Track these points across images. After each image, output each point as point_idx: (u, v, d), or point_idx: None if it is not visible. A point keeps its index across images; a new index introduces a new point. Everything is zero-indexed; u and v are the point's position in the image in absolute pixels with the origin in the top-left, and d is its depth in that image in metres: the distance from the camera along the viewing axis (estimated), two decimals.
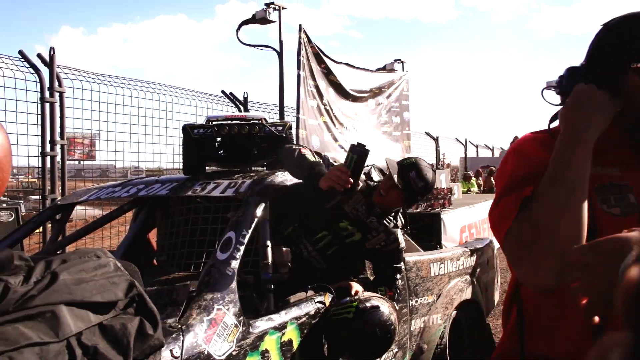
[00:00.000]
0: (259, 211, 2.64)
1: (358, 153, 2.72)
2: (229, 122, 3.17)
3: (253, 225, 2.56)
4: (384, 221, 3.02)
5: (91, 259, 1.23)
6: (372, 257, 3.18)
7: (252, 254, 2.77)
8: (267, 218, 2.67)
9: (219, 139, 3.20)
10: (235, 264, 2.34)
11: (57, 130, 5.53)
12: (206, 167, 3.37)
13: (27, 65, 5.28)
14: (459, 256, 3.91)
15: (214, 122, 3.17)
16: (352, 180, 2.70)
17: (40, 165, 5.55)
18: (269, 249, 2.59)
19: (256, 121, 3.17)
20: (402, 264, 3.13)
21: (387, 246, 3.01)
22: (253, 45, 7.89)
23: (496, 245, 5.65)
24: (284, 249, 2.59)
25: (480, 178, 16.20)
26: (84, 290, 1.09)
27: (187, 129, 3.15)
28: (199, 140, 3.14)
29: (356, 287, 2.85)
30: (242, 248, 2.43)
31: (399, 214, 3.16)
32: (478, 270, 4.17)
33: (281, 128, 3.16)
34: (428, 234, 7.24)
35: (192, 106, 7.30)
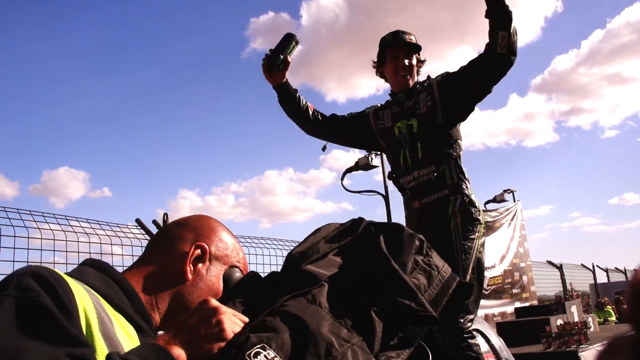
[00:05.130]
0: None
1: (286, 36, 3.23)
2: None
3: None
4: None
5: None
6: None
7: None
8: None
9: None
10: None
11: None
12: None
13: (144, 232, 5.52)
14: None
15: None
16: (270, 55, 3.22)
17: None
18: None
19: None
20: None
21: None
22: (358, 192, 7.93)
23: None
24: None
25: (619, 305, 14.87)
26: None
27: None
28: None
29: None
30: None
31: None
32: None
33: None
34: None
35: None
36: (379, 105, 3.47)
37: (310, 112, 3.45)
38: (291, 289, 1.12)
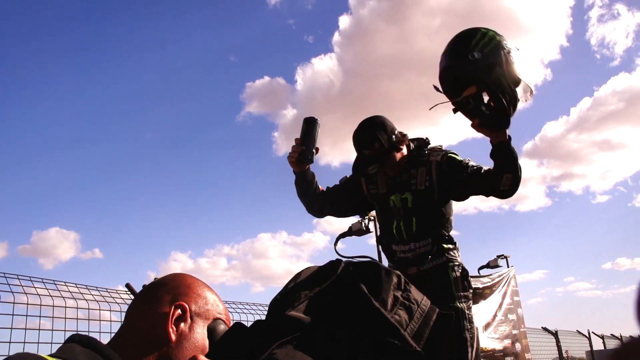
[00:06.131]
0: None
1: (307, 122, 3.09)
2: None
3: None
4: None
5: None
6: None
7: None
8: None
9: None
10: None
11: None
12: None
13: (134, 297, 5.43)
14: None
15: None
16: (302, 147, 3.08)
17: None
18: None
19: None
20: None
21: None
22: (351, 257, 7.89)
23: None
24: None
25: None
26: None
27: None
28: None
29: None
30: None
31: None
32: None
33: None
34: None
35: None
36: None
37: (320, 196, 3.35)
38: (277, 336, 1.12)
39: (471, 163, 3.01)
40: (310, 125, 3.10)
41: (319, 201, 3.36)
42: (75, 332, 1.24)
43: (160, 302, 1.29)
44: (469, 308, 3.03)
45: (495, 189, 2.87)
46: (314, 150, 3.10)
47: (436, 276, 3.04)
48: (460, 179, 3.01)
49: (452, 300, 2.97)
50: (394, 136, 3.11)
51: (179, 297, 1.30)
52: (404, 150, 3.18)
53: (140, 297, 1.37)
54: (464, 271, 3.10)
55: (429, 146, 3.22)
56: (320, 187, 3.37)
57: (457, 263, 3.09)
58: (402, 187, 3.13)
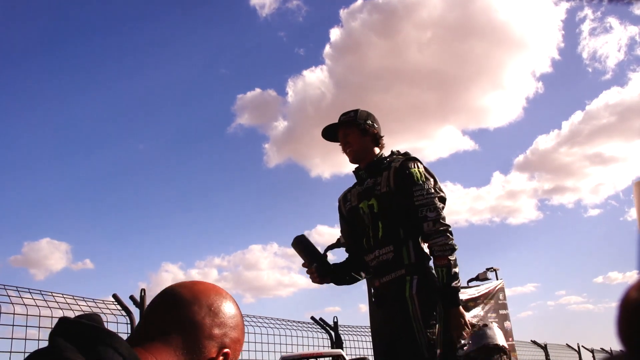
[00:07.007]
0: None
1: (295, 244, 3.14)
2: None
3: None
4: None
5: None
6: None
7: None
8: None
9: None
10: None
11: None
12: None
13: (120, 307, 5.46)
14: None
15: None
16: (313, 267, 3.10)
17: None
18: None
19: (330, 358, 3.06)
20: None
21: None
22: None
23: None
24: None
25: None
26: None
27: None
28: None
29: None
30: None
31: None
32: None
33: None
34: None
35: (286, 336, 7.29)
36: (348, 189, 3.40)
37: (356, 265, 3.35)
38: None
39: (421, 193, 3.03)
40: (302, 245, 3.17)
41: (359, 269, 3.37)
42: (109, 330, 1.03)
43: (210, 339, 1.18)
44: (432, 333, 2.90)
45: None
46: (324, 260, 3.16)
47: (391, 293, 3.02)
48: (403, 201, 3.06)
49: (411, 331, 2.89)
50: (368, 121, 3.25)
51: (227, 341, 1.21)
52: (371, 144, 3.26)
53: (188, 311, 1.20)
54: (424, 292, 2.96)
55: (394, 154, 3.28)
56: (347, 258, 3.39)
57: (417, 280, 2.98)
58: (368, 194, 3.16)
